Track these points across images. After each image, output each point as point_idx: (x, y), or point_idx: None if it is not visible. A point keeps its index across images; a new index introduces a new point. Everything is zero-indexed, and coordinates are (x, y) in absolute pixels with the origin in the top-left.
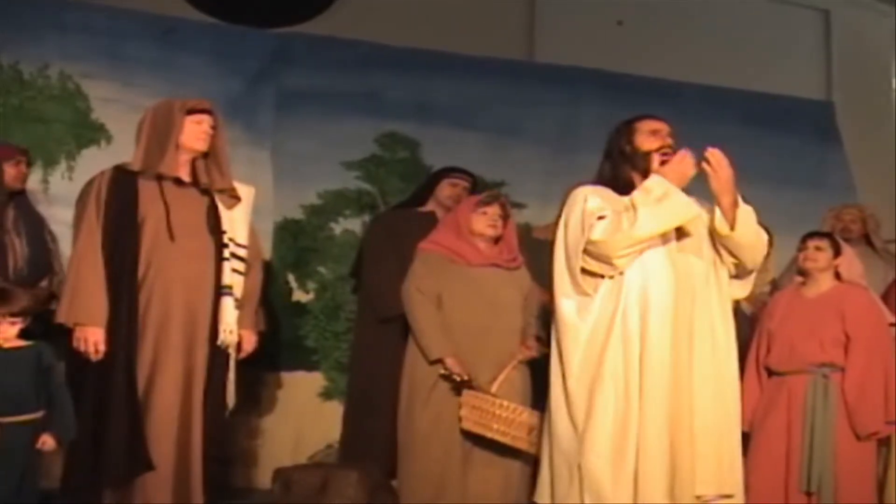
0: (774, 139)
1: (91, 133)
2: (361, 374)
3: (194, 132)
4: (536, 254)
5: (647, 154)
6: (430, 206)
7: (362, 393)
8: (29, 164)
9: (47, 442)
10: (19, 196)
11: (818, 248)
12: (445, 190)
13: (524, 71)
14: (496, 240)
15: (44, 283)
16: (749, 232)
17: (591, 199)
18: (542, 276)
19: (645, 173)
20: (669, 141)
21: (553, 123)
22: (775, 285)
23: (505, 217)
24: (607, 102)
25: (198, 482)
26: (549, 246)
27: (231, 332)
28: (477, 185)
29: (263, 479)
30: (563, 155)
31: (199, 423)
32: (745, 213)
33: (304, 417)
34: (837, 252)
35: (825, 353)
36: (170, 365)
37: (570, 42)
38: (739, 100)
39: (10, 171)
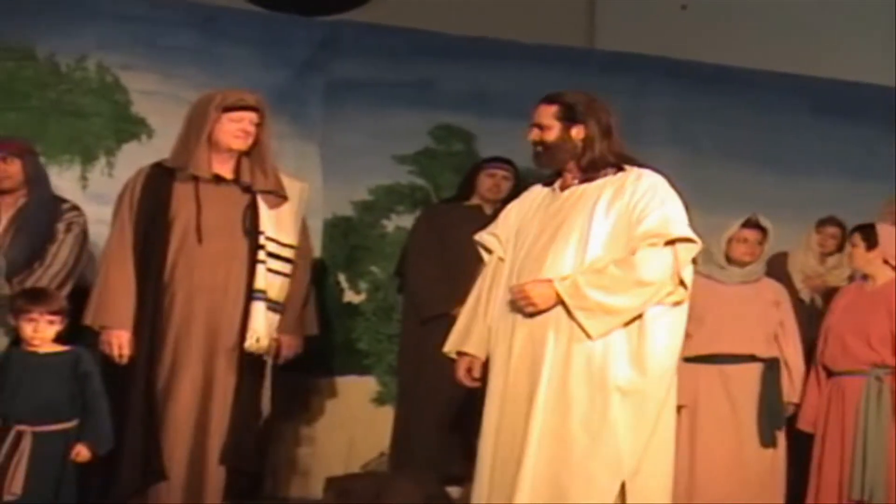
0: (848, 129)
1: (131, 127)
2: (408, 377)
3: (231, 131)
4: None
5: None
6: (475, 200)
7: (410, 397)
8: (26, 161)
9: (81, 452)
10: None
11: (853, 245)
12: (485, 182)
13: (584, 59)
14: None
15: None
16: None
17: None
18: None
19: None
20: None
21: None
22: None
23: None
24: (672, 91)
25: (213, 490)
26: None
27: (258, 339)
28: (520, 175)
29: (315, 488)
30: (626, 146)
31: (217, 431)
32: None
33: (356, 424)
34: (871, 244)
35: (875, 352)
36: (188, 371)
37: (633, 28)
38: (811, 87)
39: None
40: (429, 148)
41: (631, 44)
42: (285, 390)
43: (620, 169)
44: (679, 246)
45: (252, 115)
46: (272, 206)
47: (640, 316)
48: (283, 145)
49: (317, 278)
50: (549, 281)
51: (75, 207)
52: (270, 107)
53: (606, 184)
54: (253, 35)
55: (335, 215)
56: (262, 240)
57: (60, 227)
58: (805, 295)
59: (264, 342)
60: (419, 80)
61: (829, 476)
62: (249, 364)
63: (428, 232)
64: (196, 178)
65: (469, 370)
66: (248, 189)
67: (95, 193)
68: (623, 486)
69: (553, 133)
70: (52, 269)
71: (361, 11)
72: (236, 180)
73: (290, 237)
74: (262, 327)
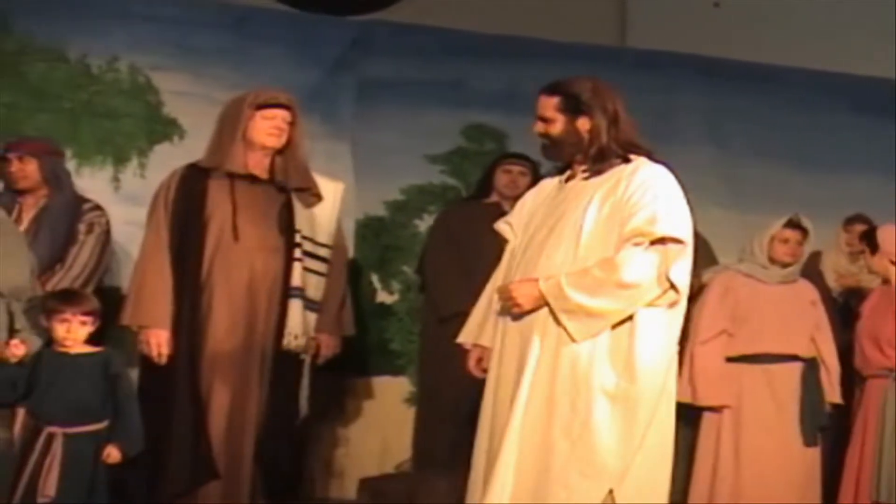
0: (887, 127)
1: (163, 128)
2: (427, 376)
3: (264, 128)
4: None
5: None
6: (493, 197)
7: (429, 395)
8: (43, 162)
9: (112, 454)
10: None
11: (863, 251)
12: (501, 178)
13: (616, 57)
14: None
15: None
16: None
17: None
18: None
19: None
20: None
21: (647, 112)
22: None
23: None
24: (704, 89)
25: (251, 490)
26: None
27: (296, 336)
28: (539, 171)
29: (349, 489)
30: (658, 144)
31: (252, 431)
32: (576, 319)
33: (390, 424)
34: (874, 249)
35: (885, 356)
36: (227, 370)
37: (664, 26)
38: (848, 85)
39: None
40: (461, 147)
41: (663, 42)
42: (319, 391)
43: (627, 160)
44: (669, 245)
45: (285, 114)
46: (307, 205)
47: (630, 318)
48: (315, 145)
49: (350, 279)
50: (535, 281)
51: (97, 207)
52: (302, 107)
53: (606, 179)
54: (284, 35)
55: (367, 215)
56: (298, 238)
57: (81, 227)
58: (838, 294)
59: (302, 340)
60: (451, 79)
61: (848, 476)
62: (287, 363)
63: (445, 231)
64: (231, 178)
65: (479, 361)
66: (282, 188)
67: (128, 195)
68: (612, 493)
69: (557, 126)
70: (73, 271)
71: (392, 11)
72: (271, 180)
73: (326, 237)
74: (299, 325)
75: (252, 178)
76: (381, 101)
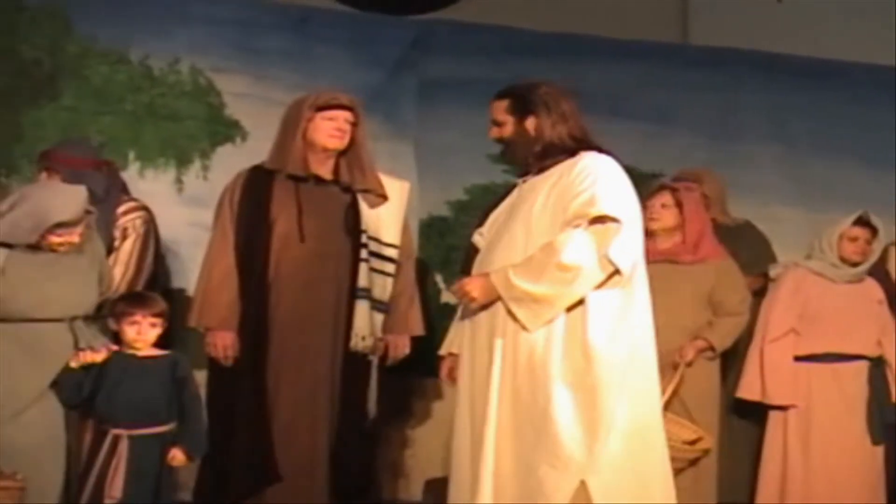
0: None
1: (225, 130)
2: None
3: (325, 129)
4: None
5: None
6: None
7: None
8: (66, 177)
9: (177, 456)
10: None
11: None
12: None
13: (678, 54)
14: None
15: None
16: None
17: None
18: None
19: None
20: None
21: (710, 109)
22: None
23: (678, 205)
24: (768, 86)
25: (322, 491)
26: None
27: (364, 337)
28: None
29: (415, 490)
30: (722, 143)
31: (325, 432)
32: (521, 306)
33: None
34: None
35: None
36: (294, 372)
37: (727, 22)
38: None
39: None
40: None
41: (725, 38)
42: (385, 392)
43: (574, 155)
44: (608, 225)
45: (346, 114)
46: (372, 205)
47: (582, 303)
48: (377, 146)
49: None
50: (486, 274)
51: (132, 210)
52: (363, 107)
53: (553, 172)
54: (344, 35)
55: (431, 216)
56: (363, 239)
57: (116, 234)
58: None
59: (369, 341)
60: (512, 77)
61: None
62: (355, 364)
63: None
64: (296, 179)
65: (451, 370)
66: (347, 189)
67: (191, 196)
68: (584, 484)
69: (508, 128)
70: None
71: (453, 10)
72: (336, 181)
73: (392, 236)
74: (366, 326)
75: (316, 180)
76: (442, 101)
